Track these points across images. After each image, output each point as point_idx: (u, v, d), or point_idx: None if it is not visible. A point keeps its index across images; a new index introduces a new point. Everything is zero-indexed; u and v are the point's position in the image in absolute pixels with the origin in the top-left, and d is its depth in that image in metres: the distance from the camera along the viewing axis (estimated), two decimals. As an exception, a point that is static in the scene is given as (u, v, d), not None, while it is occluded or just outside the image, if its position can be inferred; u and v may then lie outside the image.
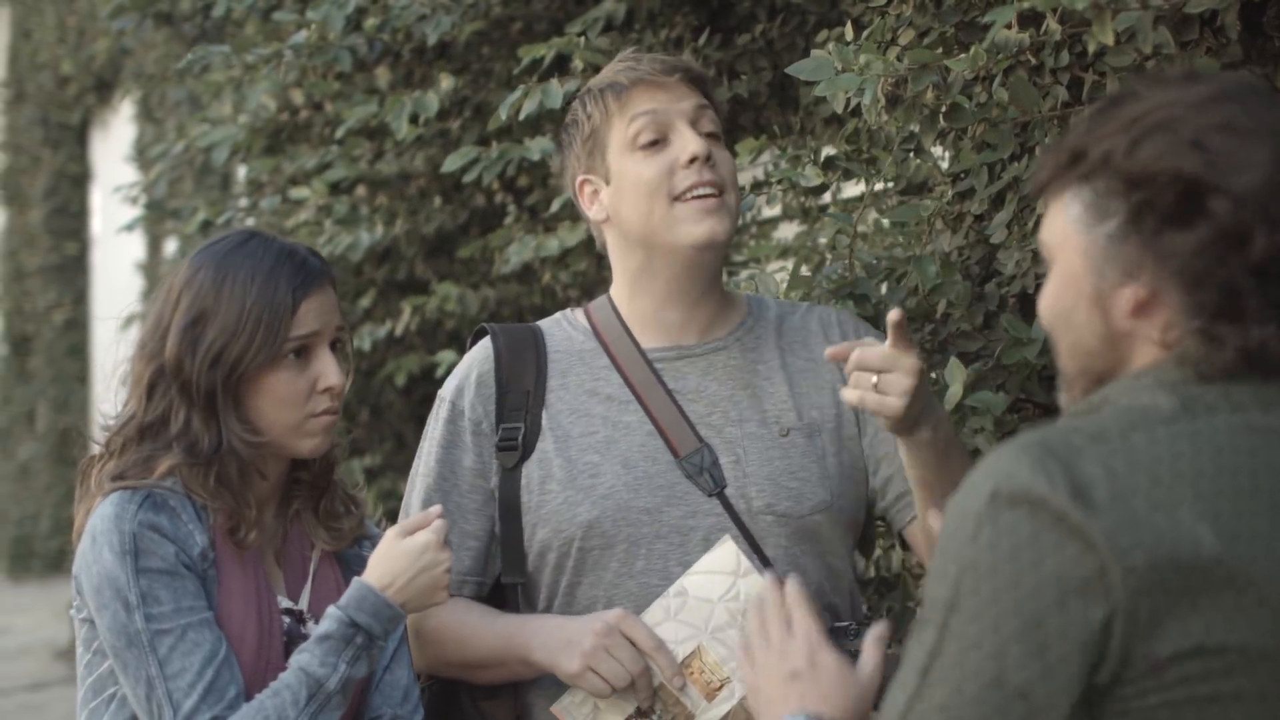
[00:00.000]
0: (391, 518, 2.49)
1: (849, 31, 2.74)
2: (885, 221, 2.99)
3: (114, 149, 12.00)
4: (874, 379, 2.19)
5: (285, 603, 2.29)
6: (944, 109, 2.57)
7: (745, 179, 3.77)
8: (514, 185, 4.54)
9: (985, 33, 2.49)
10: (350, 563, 2.37)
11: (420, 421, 2.56)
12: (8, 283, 14.18)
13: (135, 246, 10.41)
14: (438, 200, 4.75)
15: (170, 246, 7.58)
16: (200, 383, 2.21)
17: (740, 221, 4.21)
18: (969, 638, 1.48)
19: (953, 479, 2.08)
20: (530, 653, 2.36)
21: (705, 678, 2.31)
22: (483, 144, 3.78)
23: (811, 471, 2.43)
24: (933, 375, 2.87)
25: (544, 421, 2.46)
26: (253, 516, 2.24)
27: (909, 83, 2.51)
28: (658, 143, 2.43)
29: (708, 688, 2.30)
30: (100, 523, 2.17)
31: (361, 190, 4.76)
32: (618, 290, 2.52)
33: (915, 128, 2.66)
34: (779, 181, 2.95)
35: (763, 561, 2.38)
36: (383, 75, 4.35)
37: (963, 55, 2.51)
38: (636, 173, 2.43)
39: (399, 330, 4.66)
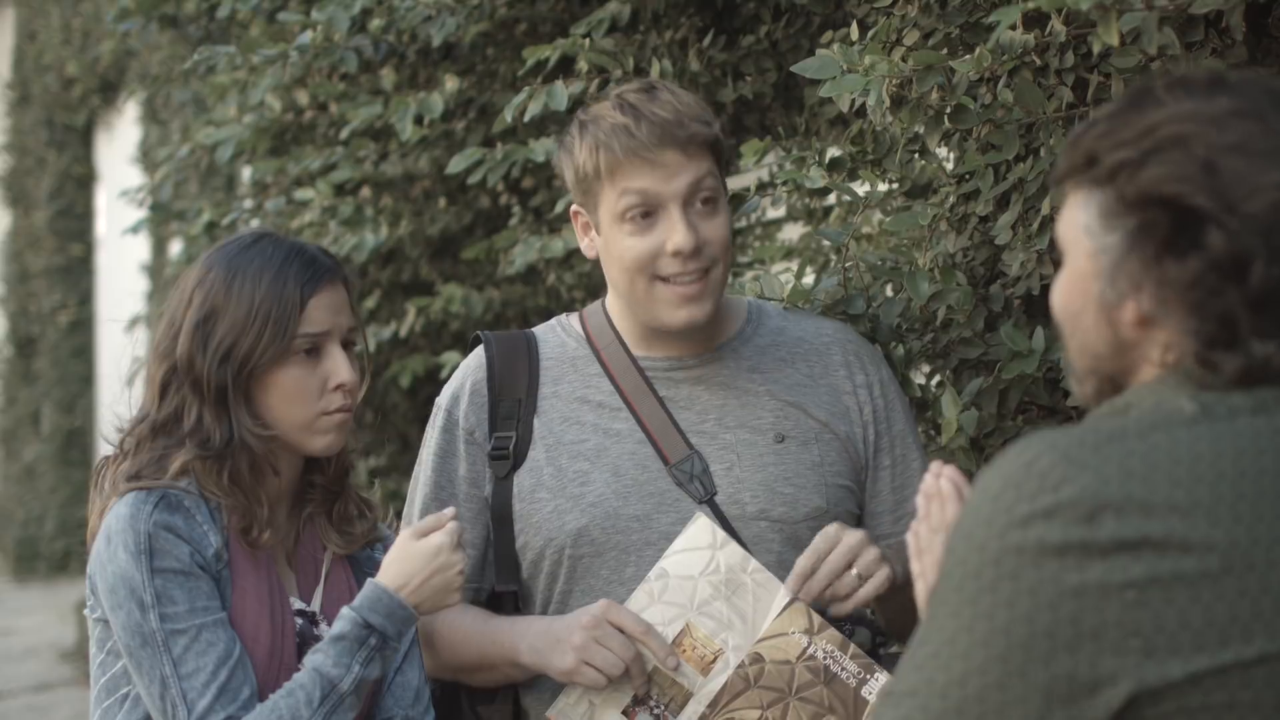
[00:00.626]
0: (400, 519, 2.50)
1: (854, 32, 2.74)
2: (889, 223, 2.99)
3: (119, 151, 12.02)
4: (854, 572, 2.28)
5: (298, 604, 2.30)
6: (949, 110, 2.57)
7: (750, 180, 3.78)
8: (519, 187, 4.54)
9: (990, 34, 2.49)
10: (362, 565, 2.38)
11: (424, 423, 2.57)
12: (13, 284, 14.20)
13: (140, 248, 10.41)
14: (442, 201, 4.75)
15: (175, 248, 7.57)
16: (211, 379, 2.22)
17: (745, 223, 4.23)
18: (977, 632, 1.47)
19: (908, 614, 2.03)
20: (518, 655, 2.37)
21: (698, 652, 2.32)
22: (487, 145, 3.78)
23: (807, 478, 2.43)
24: (935, 380, 2.87)
25: (536, 429, 2.46)
26: (265, 515, 2.24)
27: (914, 84, 2.52)
28: (649, 215, 2.36)
29: (701, 662, 2.31)
30: (116, 523, 2.18)
31: (366, 191, 4.76)
32: (612, 301, 2.51)
33: (920, 129, 2.66)
34: (784, 183, 2.94)
35: None
36: (388, 76, 4.34)
37: (968, 56, 2.51)
38: (623, 247, 2.37)
39: (404, 331, 4.66)
